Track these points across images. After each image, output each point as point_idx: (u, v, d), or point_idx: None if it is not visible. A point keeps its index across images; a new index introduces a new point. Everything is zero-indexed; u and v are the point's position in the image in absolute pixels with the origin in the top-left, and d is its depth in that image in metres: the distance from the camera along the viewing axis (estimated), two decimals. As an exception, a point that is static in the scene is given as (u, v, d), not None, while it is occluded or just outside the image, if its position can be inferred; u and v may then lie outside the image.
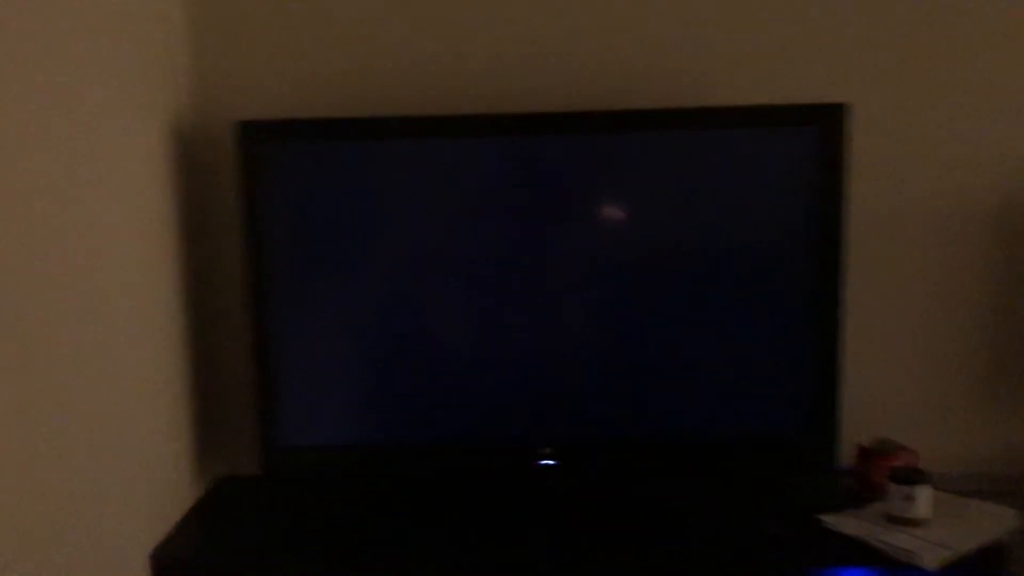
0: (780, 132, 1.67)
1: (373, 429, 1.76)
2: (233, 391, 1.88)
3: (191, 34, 1.82)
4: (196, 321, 1.82)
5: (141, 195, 1.61)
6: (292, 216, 1.69)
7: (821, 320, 1.68)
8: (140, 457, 1.58)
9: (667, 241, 1.71)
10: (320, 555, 1.62)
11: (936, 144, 1.83)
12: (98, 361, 1.43)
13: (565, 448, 1.74)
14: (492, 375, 1.74)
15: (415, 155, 1.68)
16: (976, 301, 1.87)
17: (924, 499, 1.58)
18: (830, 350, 1.68)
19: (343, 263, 1.71)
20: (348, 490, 1.83)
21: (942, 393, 1.90)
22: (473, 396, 1.74)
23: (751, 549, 1.58)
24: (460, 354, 1.74)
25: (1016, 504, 1.64)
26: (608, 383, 1.74)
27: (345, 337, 1.73)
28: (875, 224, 1.83)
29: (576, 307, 1.73)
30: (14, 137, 1.21)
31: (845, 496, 1.72)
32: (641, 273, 1.71)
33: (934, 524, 1.58)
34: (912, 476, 1.59)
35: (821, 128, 1.64)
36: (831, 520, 1.61)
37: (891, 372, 1.89)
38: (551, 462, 1.73)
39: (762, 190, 1.68)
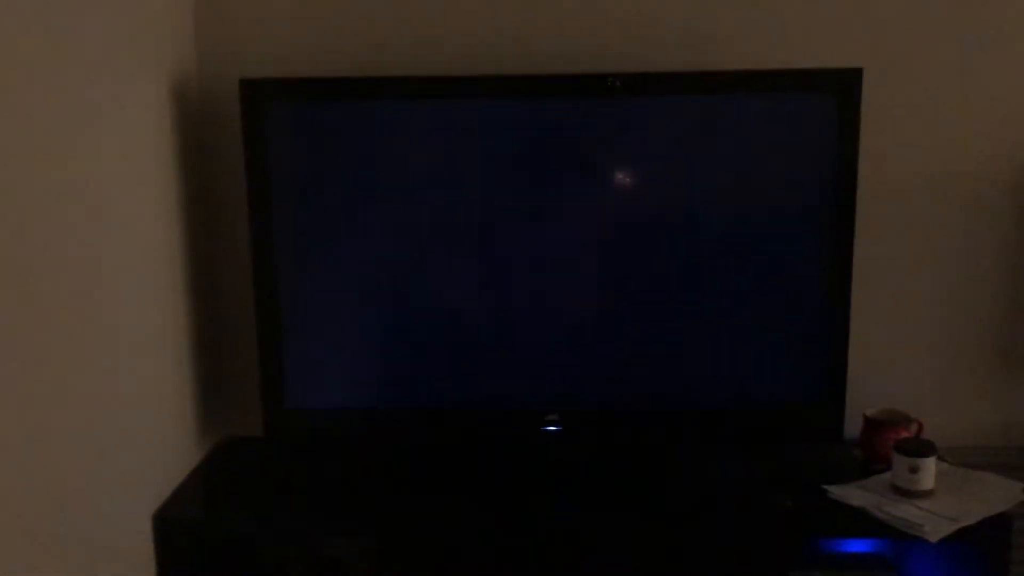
0: (795, 97, 1.65)
1: (377, 393, 1.76)
2: (237, 354, 1.87)
3: (194, -11, 1.79)
4: (201, 283, 1.81)
5: (144, 154, 1.59)
6: (297, 175, 1.67)
7: (830, 290, 1.66)
8: (144, 419, 1.58)
9: (677, 207, 1.69)
10: (322, 517, 1.63)
11: (950, 112, 1.80)
12: (102, 323, 1.42)
13: (571, 415, 1.73)
14: (498, 340, 1.73)
15: (420, 115, 1.66)
16: (986, 273, 1.86)
17: (929, 471, 1.58)
18: (838, 321, 1.67)
19: (348, 224, 1.69)
20: (351, 453, 1.82)
21: (949, 365, 1.89)
22: (479, 361, 1.73)
23: (756, 519, 1.58)
24: (466, 319, 1.73)
25: (1022, 477, 1.64)
26: (615, 350, 1.73)
27: (350, 300, 1.72)
28: (886, 194, 1.81)
29: (584, 273, 1.72)
30: (15, 96, 1.19)
31: (851, 467, 1.71)
32: (649, 239, 1.69)
33: (939, 496, 1.58)
34: (918, 448, 1.59)
35: (837, 93, 1.61)
36: (836, 491, 1.61)
37: (898, 343, 1.88)
38: (557, 428, 1.73)
39: (774, 156, 1.66)
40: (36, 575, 1.23)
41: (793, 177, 1.66)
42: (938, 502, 1.57)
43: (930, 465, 1.58)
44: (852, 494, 1.60)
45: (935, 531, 1.49)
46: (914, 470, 1.57)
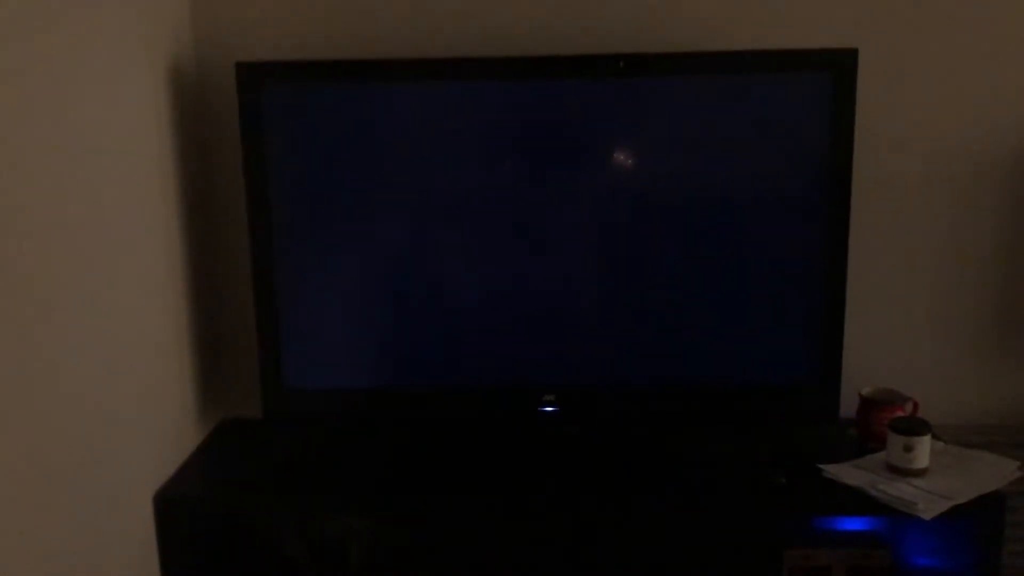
0: (791, 77, 1.64)
1: (375, 374, 1.76)
2: (237, 334, 1.88)
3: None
4: (200, 265, 1.81)
5: (141, 137, 1.59)
6: (293, 158, 1.67)
7: (825, 271, 1.67)
8: (145, 400, 1.59)
9: (674, 188, 1.69)
10: (322, 497, 1.64)
11: (947, 92, 1.80)
12: (103, 305, 1.43)
13: (567, 395, 1.74)
14: (496, 320, 1.73)
15: (416, 97, 1.66)
16: (980, 253, 1.86)
17: (924, 449, 1.58)
18: (834, 300, 1.67)
19: (346, 206, 1.69)
20: (350, 433, 1.84)
21: (944, 344, 1.90)
22: (476, 342, 1.74)
23: (752, 498, 1.59)
24: (463, 299, 1.73)
25: (1016, 455, 1.64)
26: (612, 330, 1.73)
27: (348, 281, 1.73)
28: (882, 175, 1.81)
29: (581, 253, 1.72)
30: (11, 81, 1.19)
31: (846, 446, 1.72)
32: (646, 220, 1.69)
33: (933, 474, 1.59)
34: (912, 427, 1.60)
35: (832, 73, 1.61)
36: (832, 470, 1.62)
37: (894, 323, 1.89)
38: (553, 408, 1.74)
39: (770, 137, 1.65)
40: (38, 555, 1.24)
41: (789, 158, 1.66)
42: (932, 480, 1.58)
43: (924, 444, 1.59)
44: (847, 473, 1.61)
45: (929, 509, 1.50)
46: (908, 449, 1.58)
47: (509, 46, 1.75)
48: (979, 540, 1.57)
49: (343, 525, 1.77)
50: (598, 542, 1.71)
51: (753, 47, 1.67)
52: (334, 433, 1.84)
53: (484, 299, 1.73)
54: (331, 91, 1.66)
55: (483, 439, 1.81)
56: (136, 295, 1.56)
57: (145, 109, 1.61)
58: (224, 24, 1.80)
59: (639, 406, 1.76)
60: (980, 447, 1.71)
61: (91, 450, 1.39)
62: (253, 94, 1.63)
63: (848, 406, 1.74)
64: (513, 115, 1.67)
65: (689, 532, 1.68)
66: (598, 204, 1.69)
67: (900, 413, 1.70)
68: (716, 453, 1.74)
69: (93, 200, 1.41)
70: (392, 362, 1.76)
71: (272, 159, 1.66)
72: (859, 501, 1.55)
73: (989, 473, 1.60)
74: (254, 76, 1.63)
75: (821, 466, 1.63)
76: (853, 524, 1.73)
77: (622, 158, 1.70)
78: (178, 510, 1.61)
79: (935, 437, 1.64)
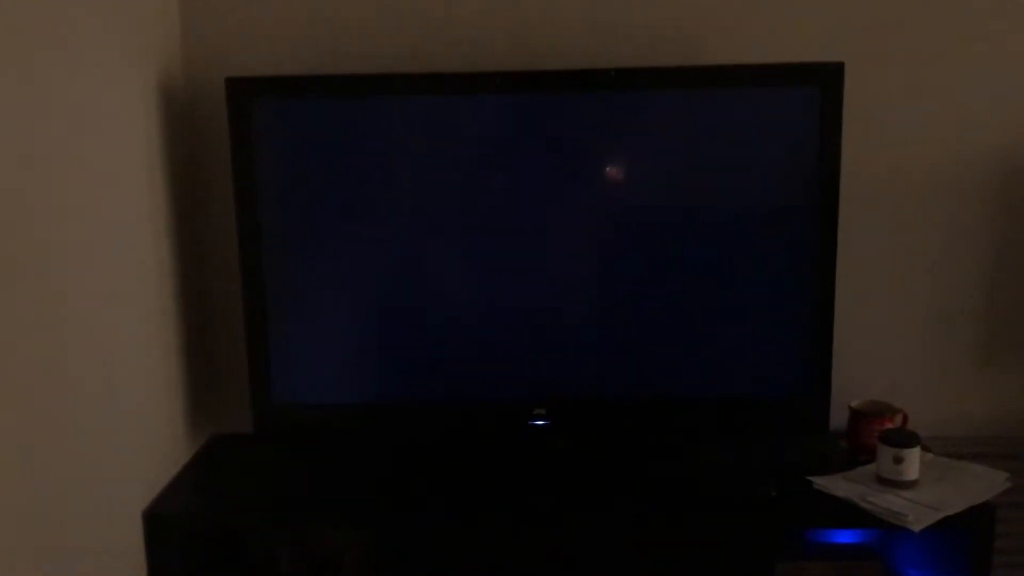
0: (778, 91, 1.65)
1: (365, 389, 1.76)
2: (227, 349, 1.88)
3: (180, -12, 1.79)
4: (188, 280, 1.81)
5: (131, 153, 1.59)
6: (283, 172, 1.67)
7: (815, 282, 1.67)
8: (134, 416, 1.58)
9: (663, 201, 1.70)
10: (312, 513, 1.63)
11: (934, 104, 1.81)
12: (90, 321, 1.42)
13: (558, 408, 1.74)
14: (485, 334, 1.73)
15: (406, 112, 1.67)
16: (969, 265, 1.87)
17: (913, 461, 1.59)
18: (823, 312, 1.68)
19: (335, 221, 1.69)
20: (340, 448, 1.83)
21: (933, 356, 1.90)
22: (466, 356, 1.74)
23: (743, 510, 1.59)
24: (453, 313, 1.73)
25: (1005, 467, 1.65)
26: (602, 343, 1.73)
27: (337, 295, 1.73)
28: (871, 186, 1.82)
29: (570, 267, 1.72)
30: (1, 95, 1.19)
31: (837, 458, 1.73)
32: (636, 233, 1.70)
33: (923, 486, 1.59)
34: (902, 438, 1.60)
35: (820, 87, 1.62)
36: (821, 482, 1.62)
37: (883, 335, 1.89)
38: (544, 422, 1.74)
39: (758, 150, 1.66)
40: (26, 572, 1.23)
41: (777, 171, 1.67)
42: (922, 492, 1.58)
43: (914, 455, 1.59)
44: (837, 485, 1.61)
45: (919, 520, 1.50)
46: (898, 460, 1.59)
47: (499, 60, 1.76)
48: (969, 551, 1.57)
49: (334, 540, 1.77)
50: (589, 555, 1.71)
51: (741, 61, 1.68)
52: (324, 448, 1.83)
53: (474, 313, 1.73)
54: (321, 106, 1.66)
55: (474, 453, 1.80)
56: (125, 310, 1.56)
57: (135, 124, 1.61)
58: (214, 39, 1.80)
59: (630, 419, 1.76)
60: (970, 459, 1.71)
61: (79, 467, 1.38)
62: (243, 109, 1.63)
63: (838, 418, 1.74)
64: (502, 130, 1.68)
65: (680, 545, 1.68)
66: (588, 217, 1.70)
67: (890, 425, 1.71)
68: (706, 466, 1.74)
69: (81, 214, 1.41)
70: (382, 377, 1.76)
71: (262, 174, 1.66)
72: (849, 513, 1.55)
73: (979, 484, 1.60)
74: (244, 91, 1.63)
75: (811, 478, 1.63)
76: (844, 536, 1.73)
77: (612, 172, 1.70)
78: (167, 527, 1.60)
79: (925, 449, 1.64)
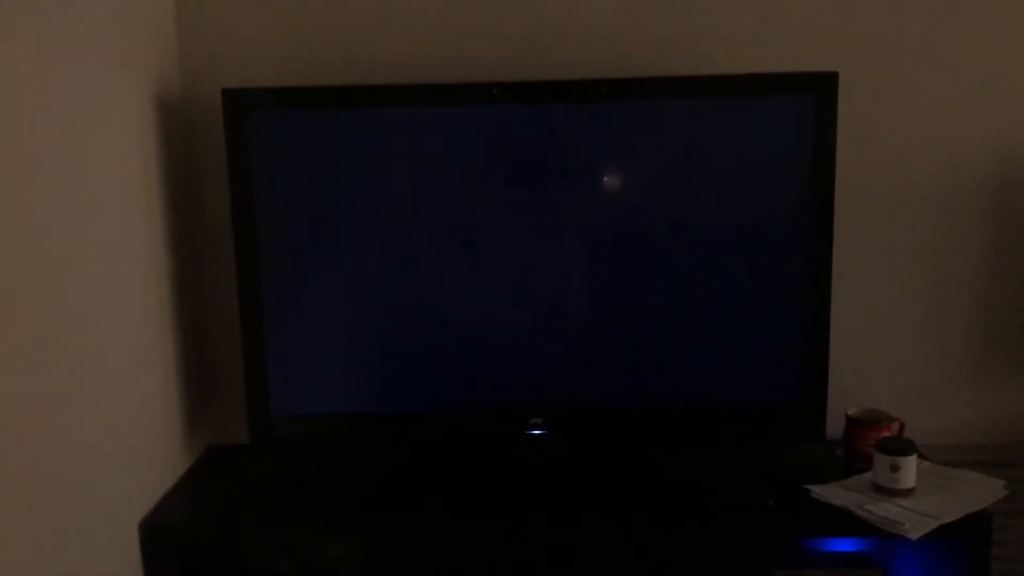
0: (773, 101, 1.66)
1: (362, 399, 1.76)
2: (223, 362, 1.88)
3: (175, 1, 1.79)
4: (186, 292, 1.81)
5: (128, 165, 1.60)
6: (280, 184, 1.68)
7: (810, 290, 1.68)
8: (131, 428, 1.58)
9: (659, 210, 1.70)
10: (310, 524, 1.63)
11: (929, 113, 1.82)
12: (88, 332, 1.43)
13: (555, 417, 1.74)
14: (483, 344, 1.73)
15: (403, 123, 1.67)
16: (965, 273, 1.87)
17: (910, 469, 1.59)
18: (819, 321, 1.68)
19: (332, 232, 1.70)
20: (337, 459, 1.83)
21: (930, 364, 1.90)
22: (463, 365, 1.74)
23: (739, 519, 1.59)
24: (450, 323, 1.73)
25: (1002, 474, 1.65)
26: (599, 353, 1.74)
27: (334, 307, 1.73)
28: (865, 195, 1.82)
29: (567, 276, 1.73)
30: (-6, 106, 1.20)
31: (833, 467, 1.73)
32: (632, 242, 1.70)
33: (920, 494, 1.59)
34: (898, 447, 1.60)
35: (814, 97, 1.62)
36: (818, 490, 1.62)
37: (879, 343, 1.89)
38: (541, 431, 1.74)
39: (753, 159, 1.67)
40: (21, 584, 1.23)
41: (773, 179, 1.67)
42: (919, 500, 1.58)
43: (911, 463, 1.59)
44: (834, 493, 1.61)
45: (915, 529, 1.50)
46: (895, 469, 1.59)
47: (495, 72, 1.76)
48: (966, 559, 1.57)
49: (332, 551, 1.76)
50: (585, 564, 1.71)
51: (736, 71, 1.69)
52: (322, 458, 1.83)
53: (470, 323, 1.74)
54: (317, 117, 1.66)
55: (471, 462, 1.80)
56: (121, 321, 1.56)
57: (131, 135, 1.61)
58: (210, 50, 1.80)
59: (627, 427, 1.76)
60: (966, 466, 1.71)
61: (75, 478, 1.38)
62: (239, 120, 1.64)
63: (834, 426, 1.74)
64: (498, 140, 1.68)
65: (676, 554, 1.68)
66: (584, 227, 1.70)
67: (886, 433, 1.71)
68: (703, 474, 1.74)
69: (77, 225, 1.41)
70: (379, 387, 1.76)
71: (258, 185, 1.66)
72: (846, 522, 1.55)
73: (976, 492, 1.60)
74: (240, 102, 1.64)
75: (808, 487, 1.63)
76: (841, 545, 1.73)
77: (608, 181, 1.71)
78: (164, 538, 1.60)
79: (921, 457, 1.64)
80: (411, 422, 1.76)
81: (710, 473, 1.74)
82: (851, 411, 1.75)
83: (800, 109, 1.64)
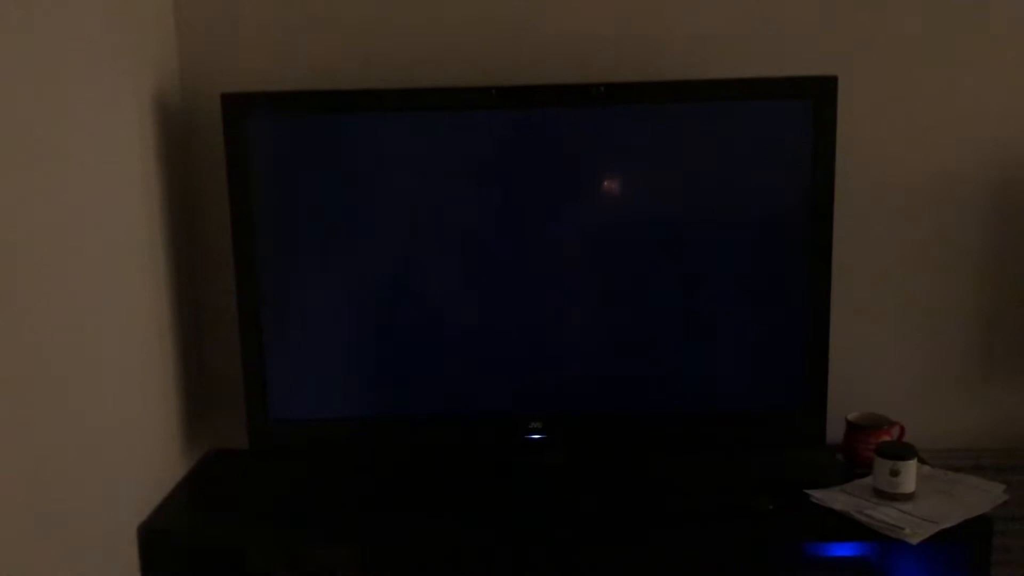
0: (771, 105, 1.66)
1: (362, 403, 1.76)
2: (223, 364, 1.88)
3: (175, 5, 1.79)
4: (185, 296, 1.81)
5: (126, 168, 1.60)
6: (278, 188, 1.68)
7: (810, 295, 1.67)
8: (130, 431, 1.58)
9: (658, 214, 1.70)
10: (309, 528, 1.63)
11: (927, 117, 1.82)
12: (87, 335, 1.43)
13: (554, 422, 1.73)
14: (481, 348, 1.73)
15: (401, 127, 1.67)
16: (965, 277, 1.87)
17: (910, 474, 1.58)
18: (819, 325, 1.68)
19: (331, 236, 1.70)
20: (337, 463, 1.83)
21: (930, 368, 1.90)
22: (462, 370, 1.74)
23: (739, 523, 1.59)
24: (449, 328, 1.73)
25: (1003, 479, 1.65)
26: (598, 357, 1.73)
27: (333, 311, 1.73)
28: (865, 198, 1.82)
29: (566, 281, 1.73)
30: (-7, 110, 1.20)
31: (833, 471, 1.72)
32: (629, 247, 1.70)
33: (920, 498, 1.59)
34: (898, 451, 1.60)
35: (813, 101, 1.62)
36: (819, 495, 1.62)
37: (879, 347, 1.89)
38: (540, 436, 1.73)
39: (752, 162, 1.67)
40: (19, 588, 1.23)
41: (772, 183, 1.67)
42: (919, 505, 1.57)
43: (911, 468, 1.59)
44: (834, 498, 1.61)
45: (916, 533, 1.49)
46: (895, 473, 1.58)
47: (494, 76, 1.76)
48: (967, 564, 1.56)
49: (331, 556, 1.76)
50: (584, 569, 1.70)
51: (735, 75, 1.69)
52: (320, 463, 1.82)
53: (469, 328, 1.74)
54: (317, 121, 1.67)
55: (470, 467, 1.80)
56: (121, 325, 1.56)
57: (130, 139, 1.61)
58: (210, 55, 1.81)
59: (626, 433, 1.75)
60: (967, 471, 1.71)
61: (74, 481, 1.38)
62: (238, 124, 1.64)
63: (834, 431, 1.74)
64: (498, 144, 1.68)
65: (676, 559, 1.67)
66: (583, 232, 1.70)
67: (886, 438, 1.70)
68: (702, 479, 1.74)
69: (76, 228, 1.41)
70: (378, 392, 1.76)
71: (257, 189, 1.66)
72: (846, 526, 1.55)
73: (976, 497, 1.60)
74: (240, 106, 1.64)
75: (808, 491, 1.63)
76: (841, 549, 1.72)
77: (606, 186, 1.71)
78: (163, 542, 1.60)
79: (921, 461, 1.64)
80: (410, 427, 1.75)
81: (710, 478, 1.74)
82: (851, 415, 1.75)
83: (799, 113, 1.63)
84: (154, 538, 1.59)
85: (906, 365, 1.90)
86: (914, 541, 1.48)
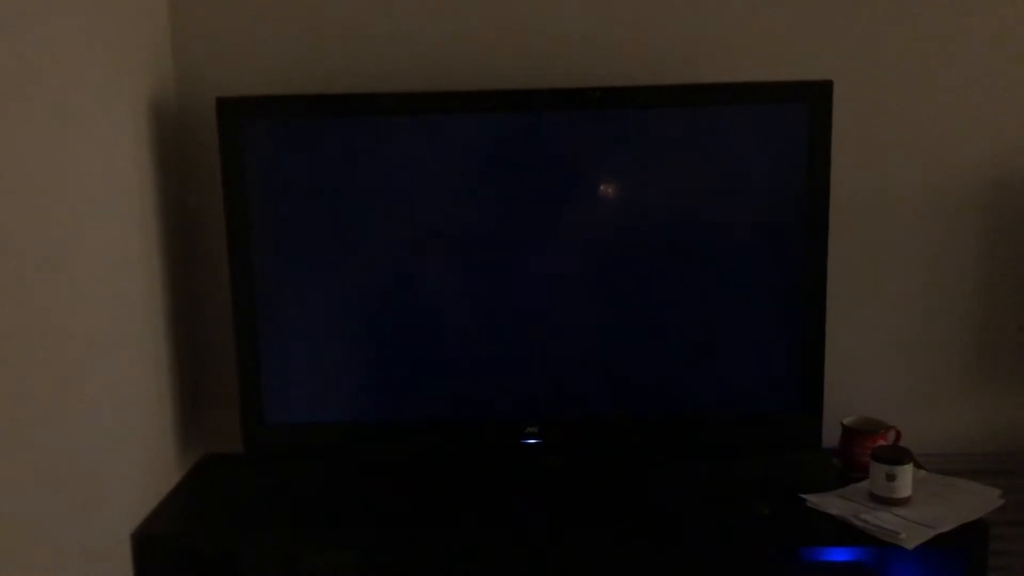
0: (767, 109, 1.66)
1: (356, 407, 1.75)
2: (218, 369, 1.87)
3: (170, 9, 1.79)
4: (180, 301, 1.81)
5: (121, 172, 1.59)
6: (274, 193, 1.67)
7: (806, 299, 1.67)
8: (124, 437, 1.57)
9: (654, 218, 1.70)
10: (304, 534, 1.62)
11: (923, 121, 1.82)
12: (81, 341, 1.42)
13: (551, 426, 1.73)
14: (478, 353, 1.73)
15: (398, 131, 1.67)
16: (961, 281, 1.87)
17: (906, 478, 1.58)
18: (815, 330, 1.68)
19: (326, 241, 1.69)
20: (332, 468, 1.82)
21: (926, 373, 1.90)
22: (459, 374, 1.73)
23: (735, 528, 1.58)
24: (445, 332, 1.73)
25: (999, 483, 1.65)
26: (594, 362, 1.73)
27: (329, 315, 1.72)
28: (860, 204, 1.82)
29: (563, 285, 1.72)
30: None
31: (829, 476, 1.72)
32: (625, 251, 1.70)
33: (916, 503, 1.59)
34: (894, 455, 1.60)
35: (809, 105, 1.63)
36: (815, 499, 1.62)
37: (875, 351, 1.89)
38: (536, 440, 1.73)
39: (748, 167, 1.67)
40: (12, 595, 1.23)
41: (767, 187, 1.68)
42: (915, 509, 1.57)
43: (907, 472, 1.59)
44: (830, 502, 1.61)
45: (912, 538, 1.49)
46: (891, 478, 1.58)
47: (492, 79, 1.76)
48: (963, 569, 1.56)
49: (326, 561, 1.75)
50: (581, 574, 1.70)
51: (731, 80, 1.69)
52: (316, 468, 1.82)
53: (466, 332, 1.73)
54: (312, 126, 1.66)
55: (467, 471, 1.80)
56: (115, 330, 1.55)
57: (126, 143, 1.61)
58: (205, 59, 1.80)
59: (622, 437, 1.75)
60: (963, 475, 1.70)
61: (68, 487, 1.37)
62: (234, 129, 1.64)
63: (831, 435, 1.74)
64: (494, 148, 1.68)
65: (672, 563, 1.67)
66: (579, 235, 1.70)
67: (882, 442, 1.70)
68: (699, 483, 1.74)
69: (72, 234, 1.41)
70: (373, 397, 1.76)
71: (253, 194, 1.66)
72: (843, 531, 1.55)
73: (972, 501, 1.60)
74: (235, 111, 1.64)
75: (804, 496, 1.63)
76: (837, 554, 1.72)
77: (602, 190, 1.71)
78: (157, 548, 1.59)
79: (918, 466, 1.64)
80: (406, 432, 1.75)
81: (706, 482, 1.74)
82: (847, 420, 1.75)
83: (795, 118, 1.63)
84: (149, 543, 1.58)
85: (902, 369, 1.90)
86: (910, 546, 1.48)
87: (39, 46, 1.32)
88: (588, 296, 1.73)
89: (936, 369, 1.90)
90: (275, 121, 1.66)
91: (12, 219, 1.25)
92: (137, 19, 1.68)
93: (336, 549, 1.71)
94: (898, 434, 1.73)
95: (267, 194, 1.67)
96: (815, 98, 1.62)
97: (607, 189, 1.71)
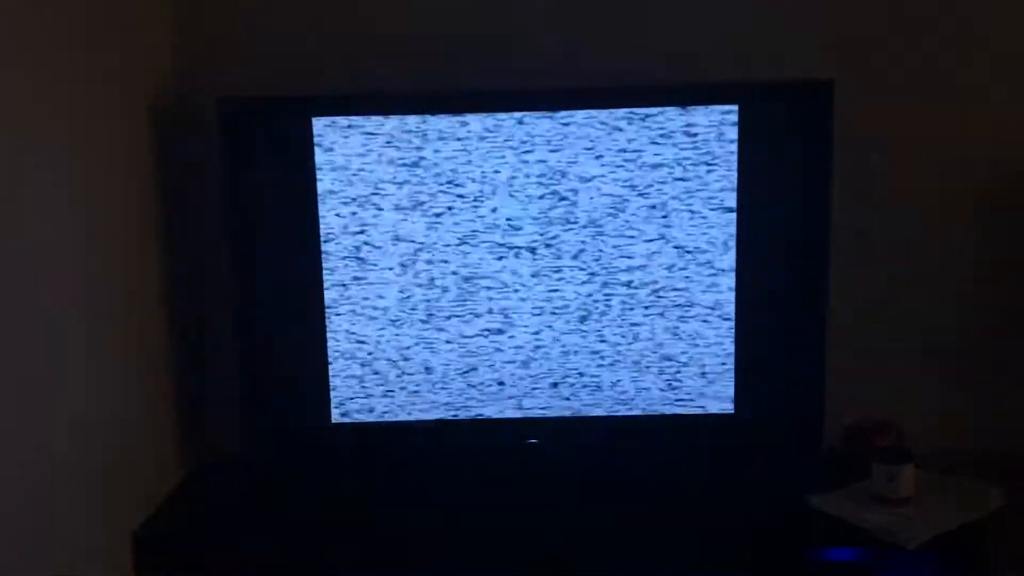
0: (768, 107, 1.65)
1: (356, 410, 1.75)
2: (218, 372, 1.87)
3: (172, 7, 1.79)
4: (180, 302, 1.81)
5: (121, 172, 1.59)
6: (276, 193, 1.67)
7: (807, 299, 1.67)
8: (124, 438, 1.57)
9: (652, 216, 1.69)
10: (304, 537, 1.62)
11: (923, 119, 1.81)
12: (82, 341, 1.42)
13: (549, 429, 1.73)
14: (475, 354, 1.73)
15: (396, 131, 1.67)
16: (961, 281, 1.87)
17: (907, 478, 1.58)
18: (817, 329, 1.68)
19: (327, 240, 1.69)
20: (332, 471, 1.82)
21: (927, 373, 1.89)
22: (458, 376, 1.73)
23: (736, 528, 1.58)
24: (444, 333, 1.73)
25: (1000, 483, 1.64)
26: (593, 361, 1.73)
27: (329, 316, 1.72)
28: (861, 201, 1.81)
29: (561, 285, 1.72)
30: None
31: (830, 476, 1.72)
32: (623, 250, 1.69)
33: (918, 503, 1.59)
34: (895, 456, 1.60)
35: (810, 103, 1.62)
36: (816, 499, 1.61)
37: (877, 351, 1.89)
38: (535, 441, 1.73)
39: (747, 167, 1.66)
40: (11, 595, 1.23)
41: (768, 186, 1.67)
42: (916, 509, 1.57)
43: (908, 472, 1.58)
44: (831, 502, 1.61)
45: (913, 538, 1.49)
46: (892, 478, 1.58)
47: (489, 79, 1.76)
48: (964, 569, 1.56)
49: (327, 563, 1.75)
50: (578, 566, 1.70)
51: (730, 79, 1.69)
52: (316, 470, 1.82)
53: (464, 332, 1.73)
54: (312, 126, 1.66)
55: (465, 473, 1.79)
56: (116, 330, 1.55)
57: (126, 143, 1.61)
58: (206, 58, 1.80)
59: (623, 438, 1.75)
60: (964, 475, 1.70)
61: (69, 488, 1.37)
62: (234, 129, 1.63)
63: (832, 435, 1.73)
64: (493, 149, 1.68)
65: (672, 565, 1.67)
66: (576, 231, 1.70)
67: (883, 442, 1.70)
68: (699, 484, 1.73)
69: (72, 233, 1.41)
70: (375, 398, 1.75)
71: (254, 194, 1.66)
72: (844, 531, 1.55)
73: (973, 501, 1.60)
74: (236, 110, 1.64)
75: (805, 496, 1.62)
76: (837, 554, 1.71)
77: (603, 187, 1.70)
78: (157, 550, 1.59)
79: (918, 466, 1.63)
80: (407, 433, 1.75)
81: (706, 483, 1.73)
82: (848, 420, 1.75)
83: (795, 116, 1.63)
84: (148, 545, 1.58)
85: (904, 369, 1.89)
86: (911, 546, 1.48)
87: (38, 45, 1.32)
88: (587, 292, 1.72)
89: (937, 369, 1.89)
90: (276, 120, 1.66)
91: (10, 216, 1.24)
92: (138, 19, 1.68)
93: (336, 554, 1.70)
94: (899, 434, 1.73)
95: (268, 194, 1.67)
96: (816, 96, 1.62)
97: (604, 187, 1.71)
